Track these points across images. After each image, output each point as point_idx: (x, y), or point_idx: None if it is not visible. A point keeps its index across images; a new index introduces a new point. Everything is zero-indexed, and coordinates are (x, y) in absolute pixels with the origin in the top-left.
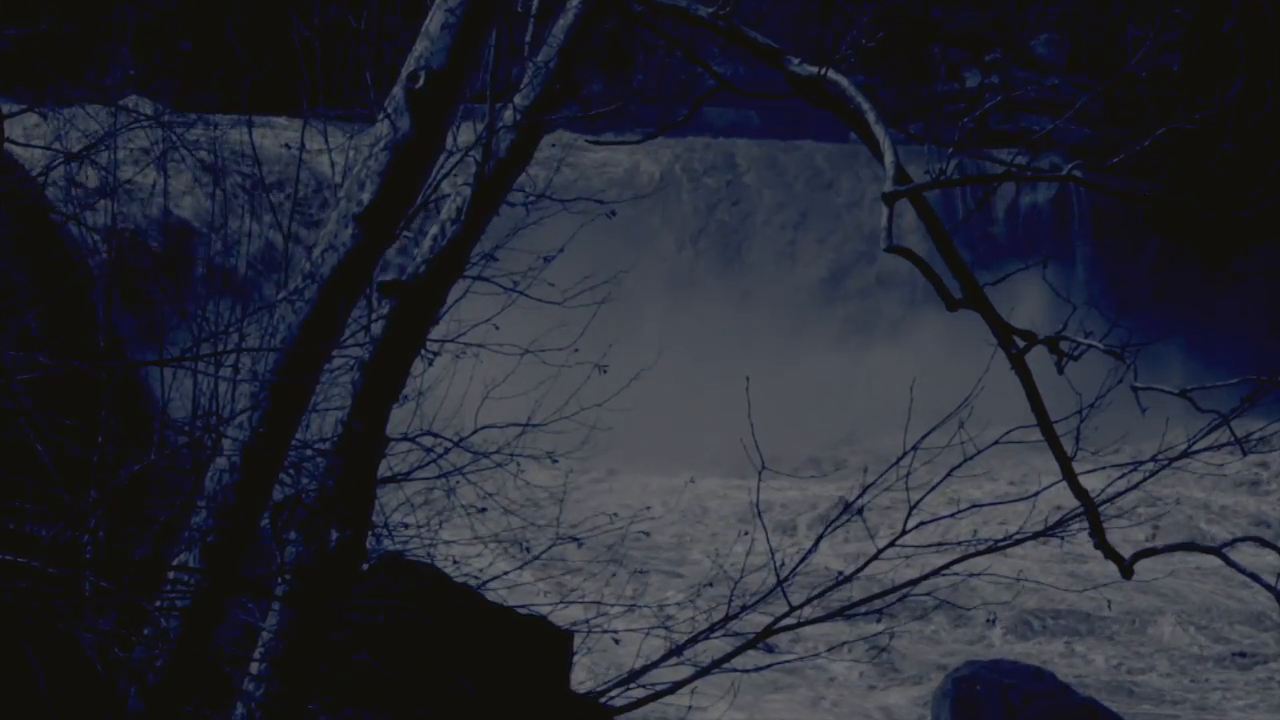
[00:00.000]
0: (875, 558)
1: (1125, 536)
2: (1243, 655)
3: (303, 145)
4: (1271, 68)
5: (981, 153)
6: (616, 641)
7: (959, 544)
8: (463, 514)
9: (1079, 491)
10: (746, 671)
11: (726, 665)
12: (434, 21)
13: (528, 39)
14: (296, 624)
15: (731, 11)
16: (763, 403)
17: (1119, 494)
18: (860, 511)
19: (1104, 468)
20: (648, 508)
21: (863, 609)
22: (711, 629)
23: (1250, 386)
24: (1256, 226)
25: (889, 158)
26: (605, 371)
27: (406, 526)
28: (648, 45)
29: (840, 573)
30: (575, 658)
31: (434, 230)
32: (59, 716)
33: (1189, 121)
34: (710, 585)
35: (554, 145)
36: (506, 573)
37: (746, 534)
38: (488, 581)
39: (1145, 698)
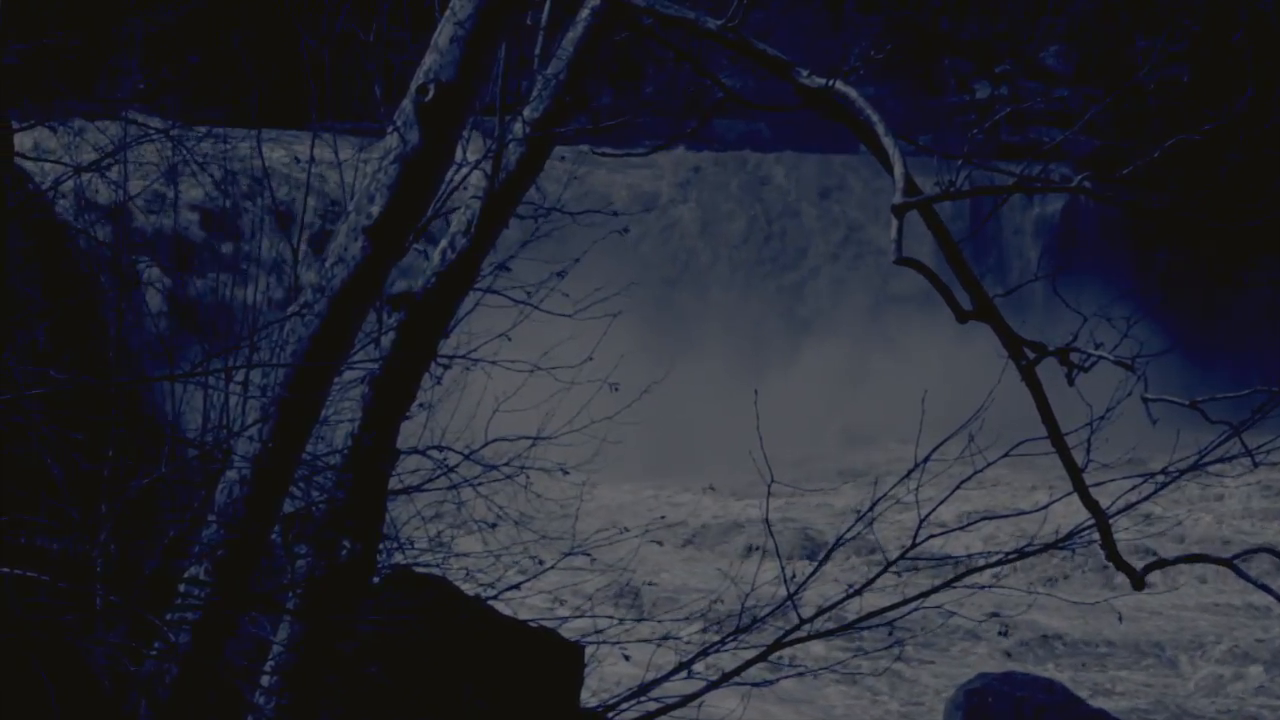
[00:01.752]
0: (885, 570)
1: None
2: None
3: (311, 158)
4: (1279, 78)
5: (991, 164)
6: (626, 658)
7: (969, 556)
8: (473, 527)
9: (1090, 503)
10: (756, 685)
11: (736, 679)
12: (443, 34)
13: (537, 52)
14: (307, 637)
15: (740, 24)
16: (772, 416)
17: (1130, 505)
18: (871, 524)
19: (1115, 480)
20: (662, 516)
21: (873, 622)
22: (722, 642)
23: (1261, 398)
24: (1264, 237)
25: (898, 169)
26: (617, 389)
27: (414, 541)
28: (657, 58)
29: (850, 586)
30: (587, 670)
31: (444, 243)
32: None
33: (1197, 132)
34: (720, 602)
35: (563, 158)
36: (517, 585)
37: (756, 548)
38: (498, 594)
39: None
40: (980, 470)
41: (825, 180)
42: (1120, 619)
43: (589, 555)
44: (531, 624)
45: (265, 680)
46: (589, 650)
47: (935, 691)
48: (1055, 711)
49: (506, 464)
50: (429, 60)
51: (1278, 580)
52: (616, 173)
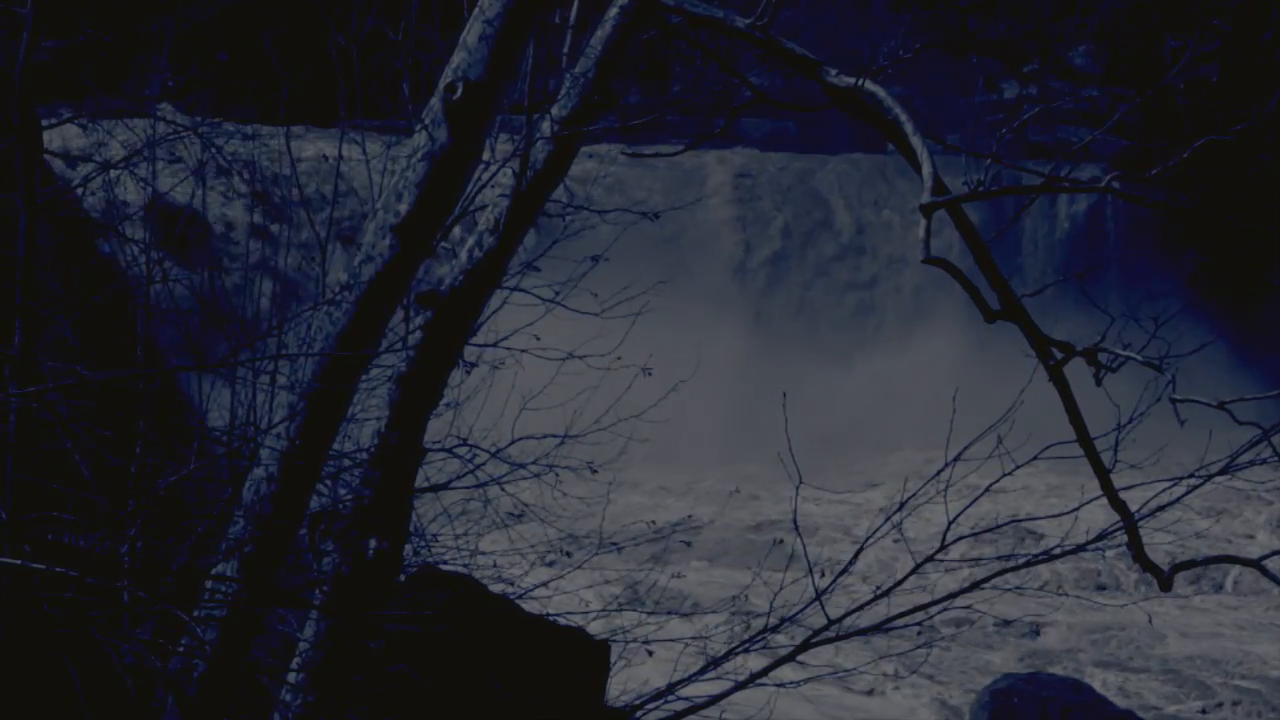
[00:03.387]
0: (914, 571)
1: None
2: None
3: (340, 156)
4: None
5: (1019, 164)
6: (650, 653)
7: (998, 558)
8: (500, 524)
9: (1117, 505)
10: (783, 685)
11: (763, 679)
12: (472, 33)
13: (565, 50)
14: (333, 634)
15: (769, 23)
16: (802, 416)
17: (1159, 508)
18: (899, 525)
19: (1144, 483)
20: (690, 516)
21: (901, 623)
22: (749, 642)
23: None
24: None
25: (926, 169)
26: (650, 374)
27: (440, 537)
28: (685, 56)
29: (879, 587)
30: (612, 669)
31: (471, 241)
32: None
33: (1227, 133)
34: (746, 599)
35: (591, 156)
36: (545, 583)
37: (781, 541)
38: (525, 592)
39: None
40: (1010, 472)
41: (858, 180)
42: (1150, 620)
43: (618, 549)
44: (555, 618)
45: (292, 677)
46: (615, 648)
47: (962, 692)
48: (1081, 712)
49: (534, 462)
50: (457, 58)
51: None
52: (650, 172)
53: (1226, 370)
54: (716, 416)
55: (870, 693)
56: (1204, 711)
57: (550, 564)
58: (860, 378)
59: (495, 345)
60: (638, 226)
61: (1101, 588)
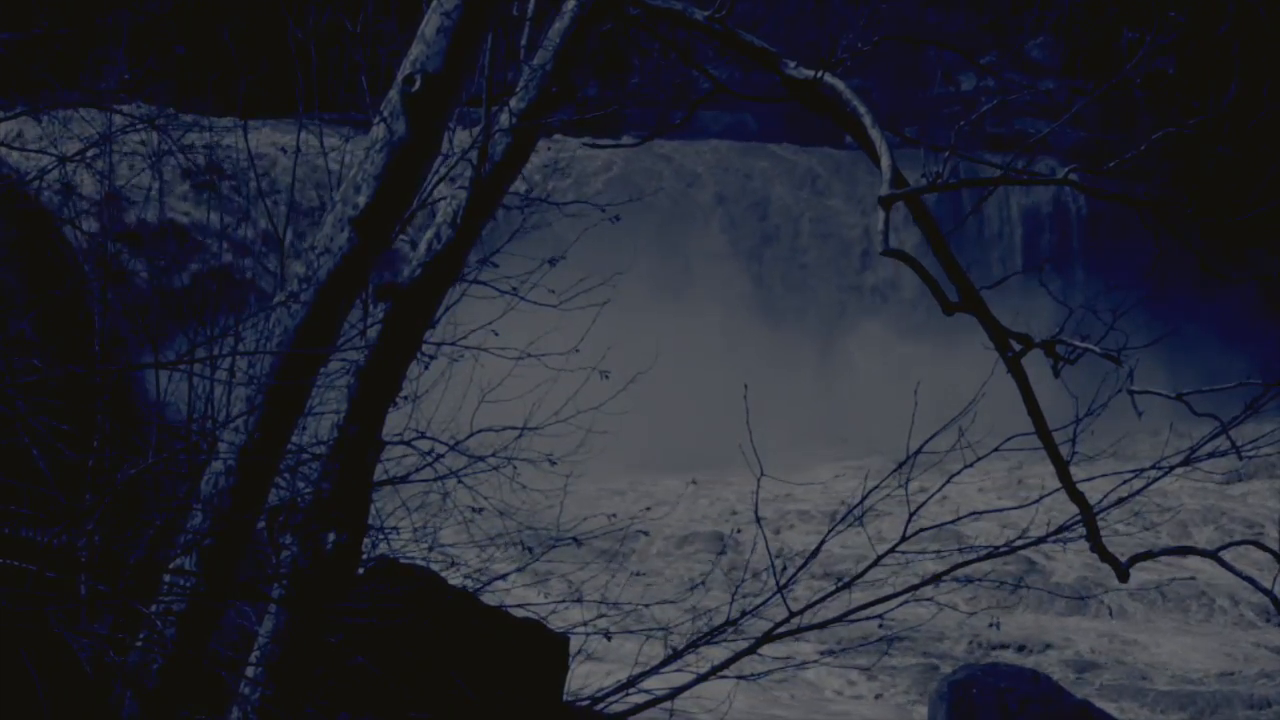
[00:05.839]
0: (875, 563)
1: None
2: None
3: (298, 149)
4: (1267, 71)
5: (977, 156)
6: (607, 637)
7: (959, 549)
8: (460, 517)
9: (1076, 497)
10: (745, 678)
11: (725, 672)
12: (430, 25)
13: (524, 42)
14: (292, 628)
15: (727, 15)
16: (759, 406)
17: (1119, 500)
18: (861, 518)
19: (1105, 475)
20: (647, 509)
21: (862, 614)
22: (711, 634)
23: (1251, 390)
24: (1253, 231)
25: (885, 161)
26: (607, 377)
27: (400, 531)
28: (643, 49)
29: (840, 578)
30: (573, 662)
31: (430, 234)
32: None
33: (1185, 126)
34: (707, 590)
35: (550, 149)
36: (503, 575)
37: (740, 536)
38: (485, 585)
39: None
40: (970, 465)
41: (815, 172)
42: (1111, 614)
43: (578, 542)
44: (514, 609)
45: (251, 670)
46: (576, 641)
47: (921, 684)
48: (1040, 703)
49: (493, 455)
50: (415, 51)
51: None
52: (605, 162)
53: (1186, 362)
54: (678, 410)
55: (830, 684)
56: (1158, 712)
57: (509, 556)
58: (830, 374)
59: (454, 344)
60: (598, 217)
61: (1059, 585)
